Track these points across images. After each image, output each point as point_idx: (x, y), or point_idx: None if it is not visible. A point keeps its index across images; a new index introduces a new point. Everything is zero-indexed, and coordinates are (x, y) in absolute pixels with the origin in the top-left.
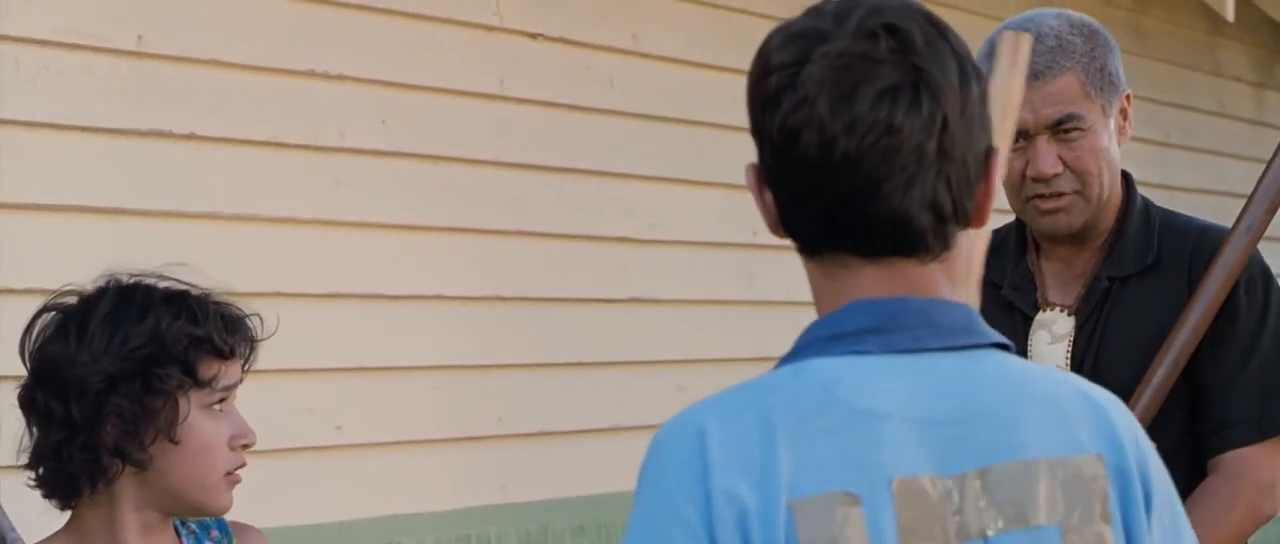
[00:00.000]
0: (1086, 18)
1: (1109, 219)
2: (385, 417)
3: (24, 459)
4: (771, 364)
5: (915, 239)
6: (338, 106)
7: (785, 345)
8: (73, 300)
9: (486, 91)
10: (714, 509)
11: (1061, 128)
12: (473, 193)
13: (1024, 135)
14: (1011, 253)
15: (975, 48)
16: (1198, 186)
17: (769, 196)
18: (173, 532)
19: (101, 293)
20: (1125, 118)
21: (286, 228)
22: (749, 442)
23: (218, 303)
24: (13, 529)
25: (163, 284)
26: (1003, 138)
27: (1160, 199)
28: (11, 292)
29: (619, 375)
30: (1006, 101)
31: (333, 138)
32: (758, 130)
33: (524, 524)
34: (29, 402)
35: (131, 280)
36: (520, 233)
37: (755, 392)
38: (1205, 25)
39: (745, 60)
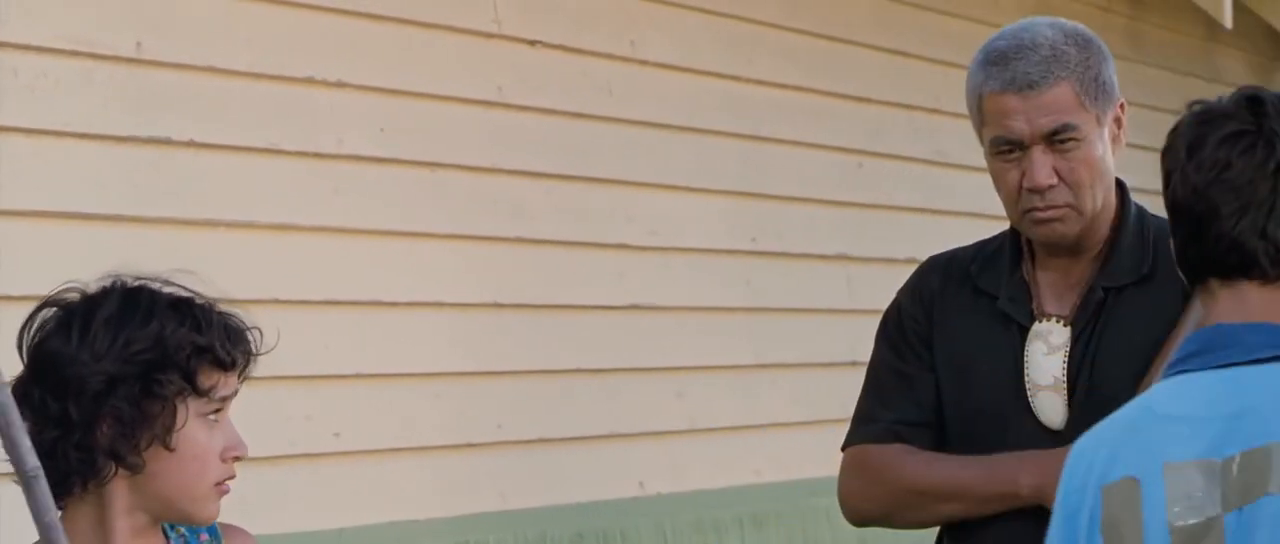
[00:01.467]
0: (1081, 27)
1: (1104, 229)
2: (384, 424)
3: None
4: (770, 371)
5: (1249, 261)
6: (336, 113)
7: (783, 352)
8: (74, 298)
9: (485, 98)
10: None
11: (1056, 138)
12: (471, 200)
13: (1019, 146)
14: (1006, 263)
15: (970, 54)
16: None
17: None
18: (161, 535)
19: (106, 293)
20: (1120, 126)
21: (285, 235)
22: (1094, 444)
23: (220, 313)
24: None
25: (167, 290)
26: None
27: (1158, 207)
28: (9, 298)
29: (618, 382)
30: None
31: (331, 145)
32: None
33: (522, 531)
34: (24, 396)
35: (136, 283)
36: (519, 240)
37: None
38: (1203, 31)
39: (742, 66)
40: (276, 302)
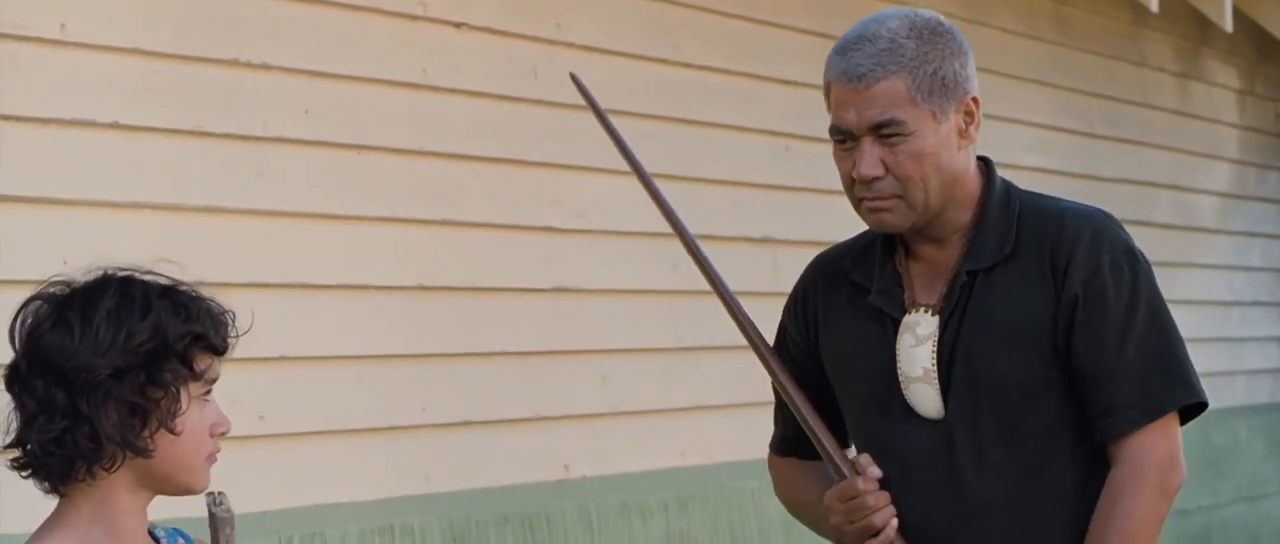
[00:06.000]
0: (935, 19)
1: (962, 215)
2: (308, 406)
3: None
4: (695, 354)
5: None
6: (261, 96)
7: (709, 335)
8: (62, 291)
9: (411, 81)
10: None
11: (882, 132)
12: (397, 182)
13: (851, 136)
14: (878, 255)
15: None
16: (1122, 177)
17: None
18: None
19: (101, 287)
20: (970, 121)
21: (210, 217)
22: None
23: (203, 299)
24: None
25: (152, 279)
26: None
27: (1085, 189)
28: None
29: (543, 365)
30: None
31: (256, 127)
32: None
33: (447, 514)
34: (26, 388)
35: (125, 274)
36: (445, 222)
37: None
38: (1129, 16)
39: (670, 50)
40: (201, 283)
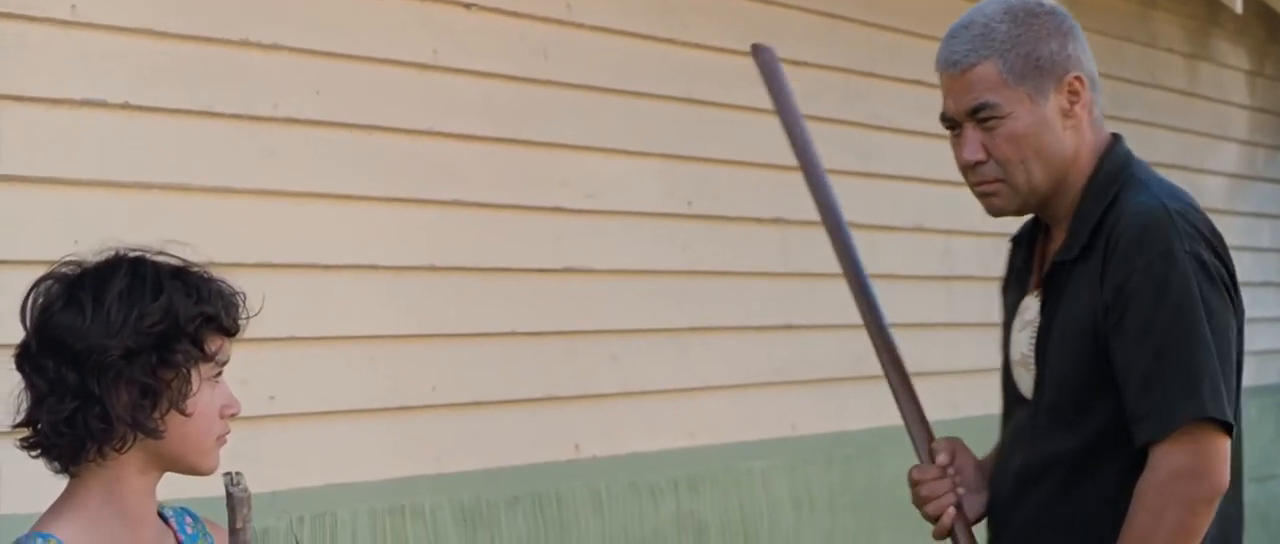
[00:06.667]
0: (1037, 2)
1: (1072, 200)
2: (319, 387)
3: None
4: (705, 334)
5: None
6: (272, 76)
7: (718, 315)
8: (74, 271)
9: (421, 61)
10: None
11: (979, 116)
12: (407, 163)
13: (955, 123)
14: (1026, 236)
15: (905, 19)
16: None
17: None
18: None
19: (112, 267)
20: (1075, 100)
21: (220, 198)
22: None
23: (214, 280)
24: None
25: (164, 260)
26: None
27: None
28: None
29: (553, 345)
30: None
31: (267, 108)
32: None
33: (458, 494)
34: (37, 368)
35: (136, 255)
36: (455, 203)
37: None
38: None
39: (678, 30)
40: (211, 264)
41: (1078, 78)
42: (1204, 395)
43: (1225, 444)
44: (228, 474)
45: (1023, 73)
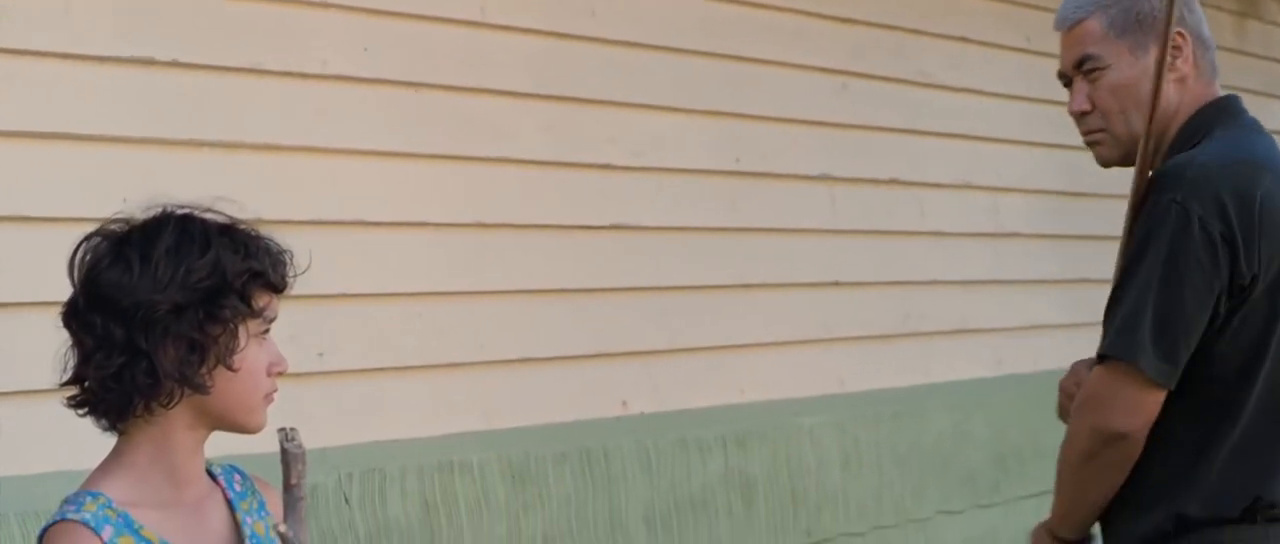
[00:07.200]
0: None
1: (1162, 155)
2: (367, 344)
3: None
4: (753, 291)
5: None
6: (320, 33)
7: (766, 272)
8: (122, 228)
9: (469, 19)
10: None
11: (1083, 68)
12: (455, 120)
13: (1068, 80)
14: None
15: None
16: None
17: None
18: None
19: (160, 224)
20: (1177, 55)
21: (268, 155)
22: None
23: (262, 237)
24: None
25: (212, 217)
26: None
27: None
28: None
29: (601, 302)
30: None
31: (315, 65)
32: None
33: (506, 451)
34: (85, 324)
35: (184, 212)
36: (502, 160)
37: None
38: None
39: None
40: (260, 221)
41: (1180, 33)
42: (1120, 336)
43: (1136, 390)
44: (282, 429)
45: (1124, 27)
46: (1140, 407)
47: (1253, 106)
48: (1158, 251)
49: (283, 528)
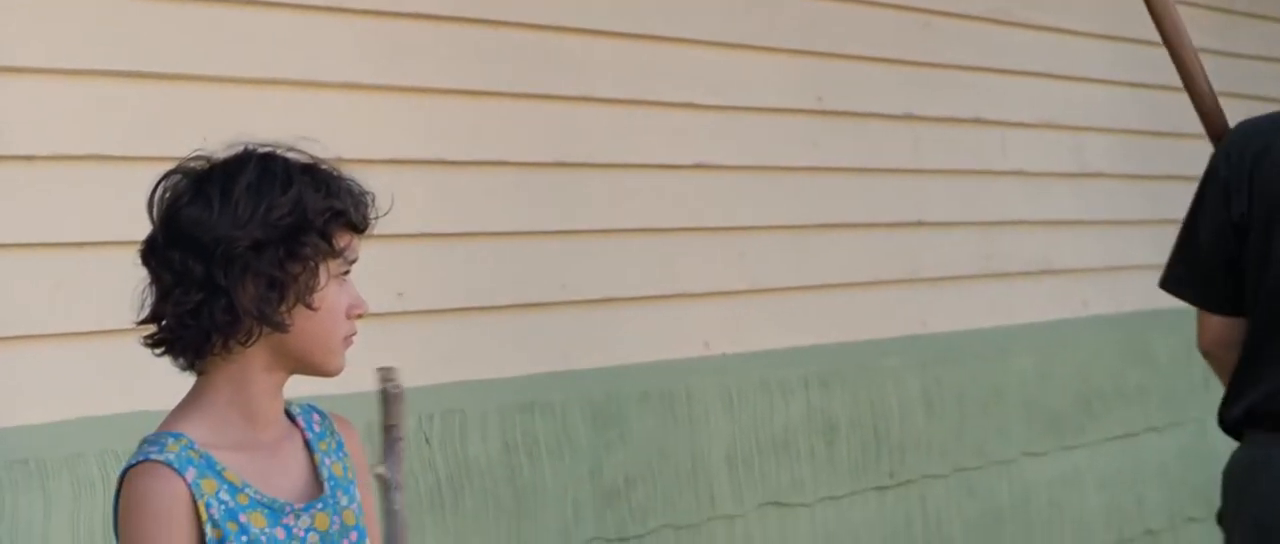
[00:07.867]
0: None
1: None
2: (447, 284)
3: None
4: (835, 231)
5: None
6: None
7: (848, 212)
8: (202, 166)
9: None
10: None
11: None
12: (535, 58)
13: None
14: None
15: None
16: (1262, 54)
17: None
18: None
19: (241, 162)
20: None
21: (348, 93)
22: None
23: (344, 177)
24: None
25: (294, 156)
26: None
27: (1223, 68)
28: (54, 157)
29: (681, 242)
30: None
31: (394, 3)
32: None
33: (587, 391)
34: (164, 261)
35: (266, 150)
36: (582, 98)
37: None
38: None
39: None
40: (339, 160)
41: None
42: (1166, 267)
43: (1199, 315)
44: (382, 369)
45: None
46: (1203, 327)
47: (1241, 109)
48: (1193, 198)
49: (381, 469)
